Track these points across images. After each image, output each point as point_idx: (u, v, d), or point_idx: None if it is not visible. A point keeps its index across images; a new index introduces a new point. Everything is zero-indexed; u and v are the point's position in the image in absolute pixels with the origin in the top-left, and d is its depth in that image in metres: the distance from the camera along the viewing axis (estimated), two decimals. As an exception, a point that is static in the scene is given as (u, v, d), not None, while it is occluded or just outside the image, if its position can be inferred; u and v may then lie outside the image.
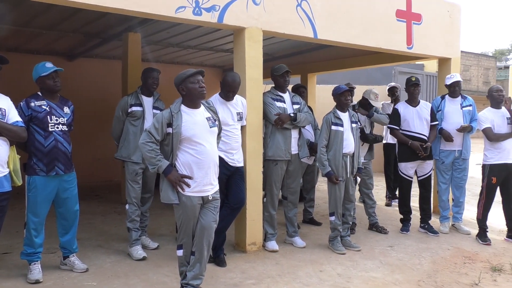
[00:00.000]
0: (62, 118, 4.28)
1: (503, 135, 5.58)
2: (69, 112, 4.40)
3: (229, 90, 4.71)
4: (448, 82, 6.13)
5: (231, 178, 4.73)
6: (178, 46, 8.43)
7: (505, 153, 5.58)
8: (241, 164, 4.85)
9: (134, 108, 5.01)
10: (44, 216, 4.24)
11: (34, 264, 4.19)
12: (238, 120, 4.80)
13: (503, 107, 5.70)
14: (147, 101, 5.11)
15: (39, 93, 4.26)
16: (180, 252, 3.69)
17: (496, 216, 6.24)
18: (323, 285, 4.24)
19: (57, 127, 4.22)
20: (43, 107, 4.17)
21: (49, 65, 4.22)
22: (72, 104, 4.51)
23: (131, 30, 6.90)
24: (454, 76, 6.14)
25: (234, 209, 4.77)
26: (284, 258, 4.98)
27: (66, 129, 4.32)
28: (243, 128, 4.94)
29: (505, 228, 5.84)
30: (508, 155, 5.59)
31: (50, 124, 4.17)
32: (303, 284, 4.25)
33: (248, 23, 4.94)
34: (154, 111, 5.09)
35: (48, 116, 4.17)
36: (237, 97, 4.86)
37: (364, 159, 6.00)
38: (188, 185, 3.52)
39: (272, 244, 5.23)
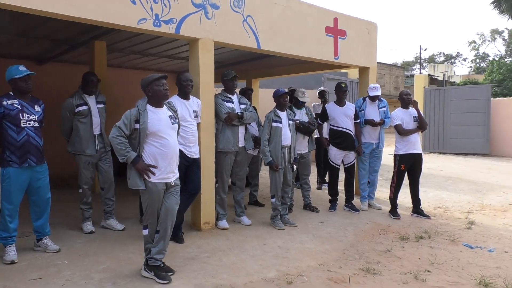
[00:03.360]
0: (33, 116, 4.08)
1: (410, 130, 5.82)
2: (40, 110, 4.19)
3: (187, 83, 4.64)
4: (371, 94, 6.25)
5: (189, 168, 4.68)
6: (140, 53, 8.18)
7: (411, 145, 5.82)
8: (198, 156, 4.80)
9: (80, 108, 4.86)
10: (17, 204, 4.03)
11: (9, 246, 3.98)
12: (194, 117, 4.75)
13: (411, 108, 5.96)
14: (91, 99, 4.97)
15: (11, 93, 4.04)
16: (146, 231, 3.64)
17: (404, 195, 6.52)
18: (266, 255, 4.28)
19: (29, 124, 4.02)
20: (15, 105, 3.96)
21: (22, 68, 4.02)
22: (43, 103, 4.30)
23: (98, 38, 6.64)
24: (376, 90, 6.24)
25: (191, 194, 4.73)
26: (233, 234, 4.99)
27: (38, 125, 4.12)
28: (198, 125, 4.90)
29: (411, 205, 6.09)
30: (414, 146, 5.84)
31: (22, 121, 3.97)
32: (250, 255, 4.28)
33: (202, 34, 4.89)
34: (98, 105, 5.00)
35: (20, 114, 3.97)
36: (193, 98, 4.81)
37: (308, 150, 6.12)
38: (154, 173, 3.49)
39: (223, 223, 5.23)
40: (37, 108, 4.16)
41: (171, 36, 4.77)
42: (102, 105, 5.04)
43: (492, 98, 14.16)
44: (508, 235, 5.08)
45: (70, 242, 4.57)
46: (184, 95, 4.71)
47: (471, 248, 4.61)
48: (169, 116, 3.62)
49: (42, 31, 6.34)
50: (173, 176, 3.64)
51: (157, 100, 3.58)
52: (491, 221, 5.74)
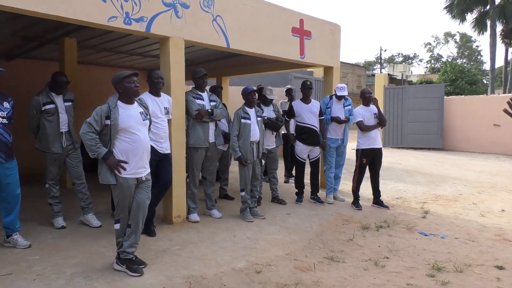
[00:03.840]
0: (1, 112, 3.91)
1: (371, 127, 5.96)
2: (9, 107, 4.02)
3: (158, 80, 4.57)
4: (339, 93, 6.31)
5: (160, 163, 4.62)
6: (111, 51, 7.96)
7: (372, 140, 5.96)
8: (169, 151, 4.75)
9: (47, 107, 4.71)
10: (-13, 200, 3.87)
11: (-21, 243, 3.82)
12: (165, 114, 4.70)
13: (371, 105, 6.09)
14: (58, 98, 4.83)
15: None
16: (117, 226, 3.57)
17: (366, 188, 6.67)
18: (236, 246, 4.30)
19: None
20: None
21: (-10, 65, 3.84)
22: (12, 99, 4.13)
23: (68, 35, 6.42)
24: (343, 90, 6.30)
25: (163, 188, 4.68)
26: (204, 227, 4.97)
27: (6, 122, 3.96)
28: (169, 121, 4.84)
29: (372, 197, 6.24)
30: (375, 142, 5.98)
31: None
32: (220, 247, 4.28)
33: (172, 33, 4.82)
34: (66, 104, 4.86)
35: (-12, 110, 3.80)
36: (163, 95, 4.74)
37: (276, 145, 6.16)
38: (124, 169, 3.42)
39: (194, 216, 5.20)
40: (5, 104, 3.99)
41: (141, 34, 4.68)
42: (70, 103, 4.90)
43: (445, 97, 14.66)
44: (459, 223, 5.30)
45: (41, 237, 4.42)
46: (155, 92, 4.64)
47: (425, 235, 4.78)
48: (140, 112, 3.56)
49: (11, 28, 6.07)
50: (144, 171, 3.58)
51: (128, 97, 3.51)
52: (443, 211, 5.96)
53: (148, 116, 3.68)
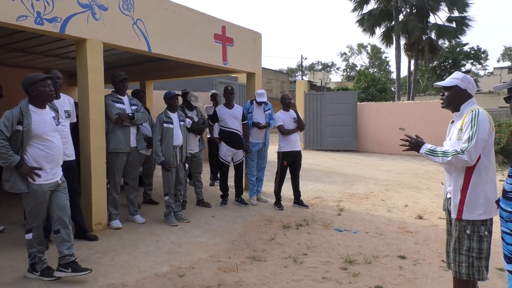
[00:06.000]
0: None
1: (291, 131, 6.15)
2: None
3: (54, 80, 4.01)
4: (258, 100, 6.40)
5: (65, 171, 4.25)
6: (23, 51, 7.35)
7: (292, 143, 6.15)
8: (73, 158, 4.34)
9: None
10: None
11: None
12: (66, 118, 4.28)
13: (291, 110, 6.30)
14: None
15: None
16: (29, 236, 3.32)
17: (287, 189, 6.86)
18: (160, 251, 4.19)
19: None
20: None
21: None
22: None
23: (-29, 33, 5.81)
24: (263, 96, 6.40)
25: (72, 196, 4.36)
26: (127, 233, 4.78)
27: None
28: (86, 125, 4.58)
29: (293, 197, 6.43)
30: (295, 145, 6.18)
31: None
32: (143, 252, 4.14)
33: (89, 35, 4.58)
34: None
35: None
36: (64, 96, 4.36)
37: (199, 149, 6.10)
38: (39, 176, 3.20)
39: (116, 223, 4.98)
40: None
41: (55, 35, 4.38)
42: None
43: (358, 103, 15.64)
44: (369, 218, 5.67)
45: None
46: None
47: (340, 231, 5.04)
48: (52, 117, 3.35)
49: None
50: (59, 175, 3.40)
51: (42, 101, 3.28)
52: (356, 207, 6.34)
53: (60, 120, 3.48)
